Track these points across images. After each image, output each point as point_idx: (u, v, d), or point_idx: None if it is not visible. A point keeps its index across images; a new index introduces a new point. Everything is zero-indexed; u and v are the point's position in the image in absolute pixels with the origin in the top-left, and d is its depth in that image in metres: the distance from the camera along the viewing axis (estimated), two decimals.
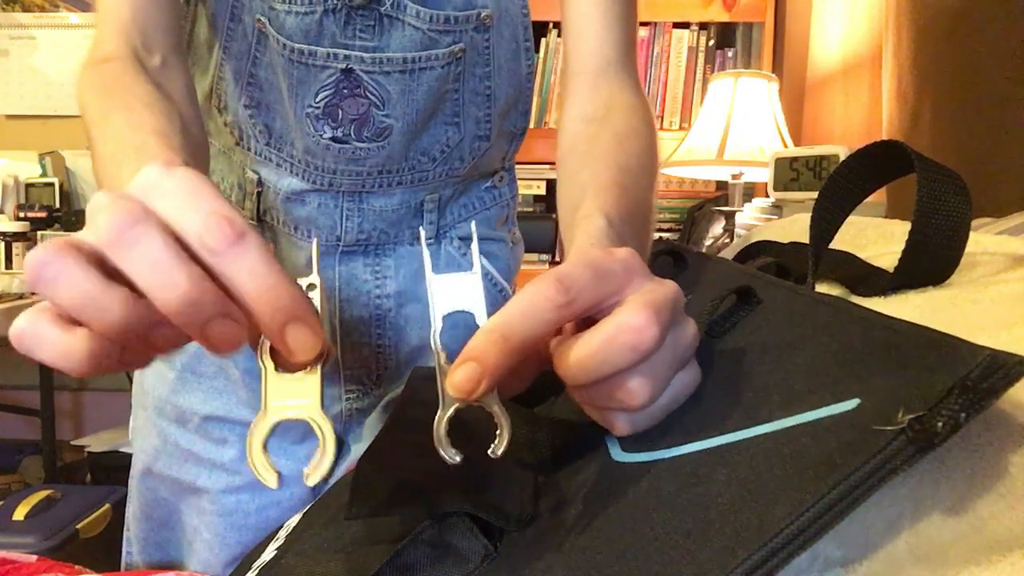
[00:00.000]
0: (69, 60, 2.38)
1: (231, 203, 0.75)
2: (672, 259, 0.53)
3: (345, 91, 0.62)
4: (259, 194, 0.69)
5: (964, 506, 0.23)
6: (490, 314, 0.30)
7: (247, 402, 0.71)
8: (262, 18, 0.61)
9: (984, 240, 0.41)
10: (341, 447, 0.77)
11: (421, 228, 0.70)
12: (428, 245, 0.71)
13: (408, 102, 0.63)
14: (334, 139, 0.64)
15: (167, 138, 0.45)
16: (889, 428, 0.21)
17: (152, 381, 0.74)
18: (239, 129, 0.68)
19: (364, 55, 0.61)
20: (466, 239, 0.73)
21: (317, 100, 0.62)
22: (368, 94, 0.62)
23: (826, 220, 0.39)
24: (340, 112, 0.63)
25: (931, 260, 0.35)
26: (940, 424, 0.20)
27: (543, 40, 1.97)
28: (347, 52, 0.61)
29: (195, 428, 0.72)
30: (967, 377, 0.21)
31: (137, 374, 0.77)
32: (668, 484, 0.28)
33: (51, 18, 2.39)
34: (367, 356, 0.73)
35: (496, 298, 0.75)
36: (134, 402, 0.77)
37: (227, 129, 0.68)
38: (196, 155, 0.48)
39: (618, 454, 0.32)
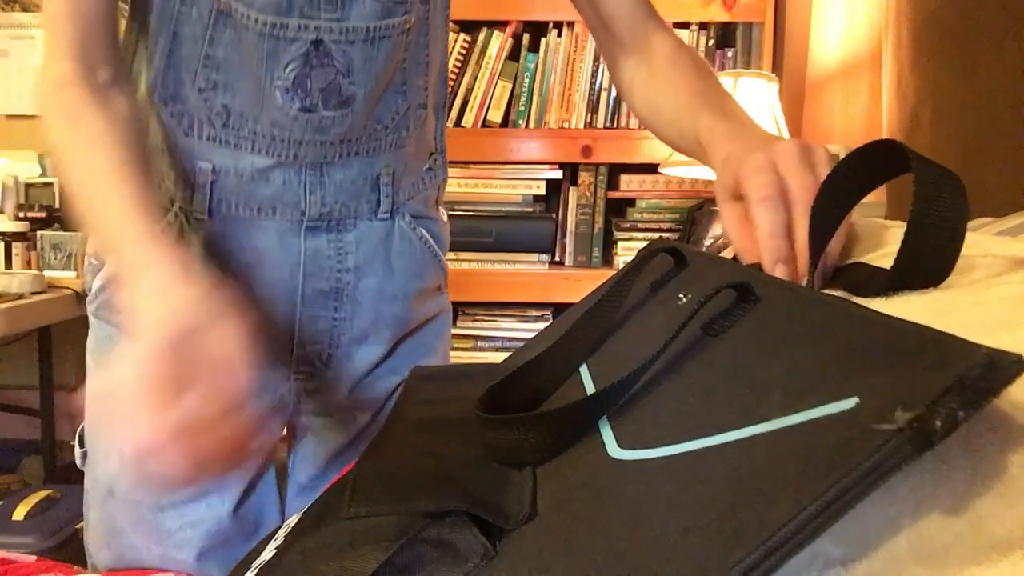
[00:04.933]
0: None
1: (171, 200, 0.75)
2: (672, 258, 0.53)
3: (314, 61, 0.66)
4: (213, 183, 0.70)
5: (964, 506, 0.23)
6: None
7: None
8: None
9: (986, 242, 0.41)
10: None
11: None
12: (383, 220, 0.76)
13: (369, 70, 0.67)
14: (303, 109, 0.67)
15: (129, 167, 0.59)
16: (887, 427, 0.21)
17: None
18: (189, 116, 0.69)
19: (332, 25, 0.65)
20: (416, 217, 0.78)
21: (286, 71, 0.65)
22: (335, 63, 0.66)
23: (825, 220, 0.40)
24: (309, 82, 0.66)
25: (926, 260, 0.35)
26: (938, 423, 0.20)
27: (543, 40, 1.97)
28: (317, 23, 0.64)
29: None
30: (965, 376, 0.21)
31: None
32: (667, 482, 0.28)
33: None
34: (323, 330, 0.76)
35: (435, 266, 0.81)
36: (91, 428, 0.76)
37: (173, 120, 0.69)
38: (144, 165, 0.62)
39: (616, 452, 0.32)
